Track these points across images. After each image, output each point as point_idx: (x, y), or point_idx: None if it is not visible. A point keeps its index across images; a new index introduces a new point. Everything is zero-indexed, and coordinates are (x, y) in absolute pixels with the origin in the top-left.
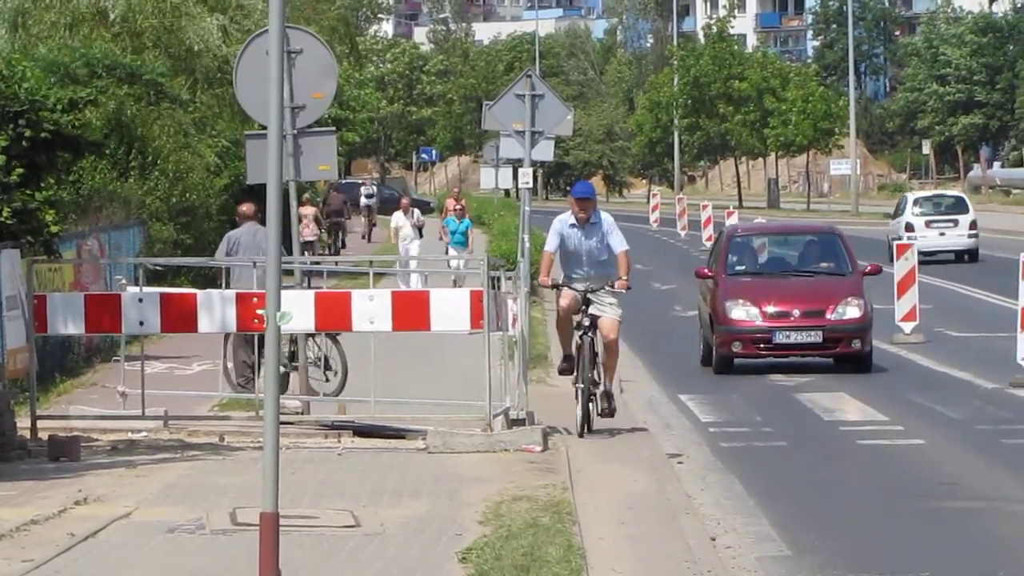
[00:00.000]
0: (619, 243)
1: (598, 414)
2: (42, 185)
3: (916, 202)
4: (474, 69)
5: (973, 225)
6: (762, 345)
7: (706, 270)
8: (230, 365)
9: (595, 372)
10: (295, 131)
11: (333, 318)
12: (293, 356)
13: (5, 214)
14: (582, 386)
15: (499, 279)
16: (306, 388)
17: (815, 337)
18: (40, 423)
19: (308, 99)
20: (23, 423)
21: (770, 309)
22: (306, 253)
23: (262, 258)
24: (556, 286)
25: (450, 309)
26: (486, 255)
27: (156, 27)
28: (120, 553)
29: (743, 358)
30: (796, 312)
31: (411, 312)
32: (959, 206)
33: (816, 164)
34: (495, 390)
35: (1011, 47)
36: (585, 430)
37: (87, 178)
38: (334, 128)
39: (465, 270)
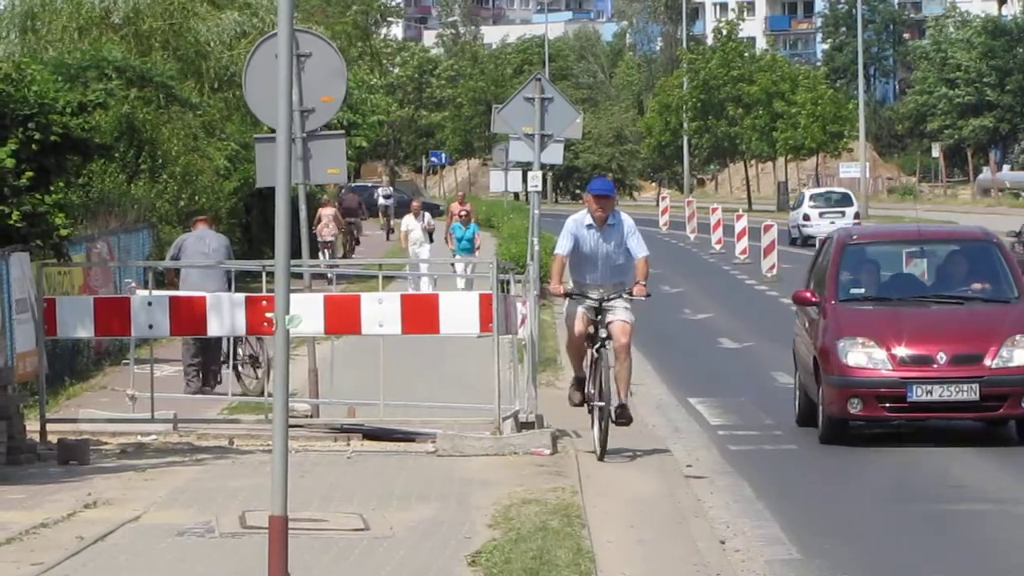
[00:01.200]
0: (639, 248)
1: (613, 421)
2: (51, 188)
3: (812, 197)
4: (483, 72)
5: (856, 215)
6: (891, 404)
7: (807, 293)
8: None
9: (611, 386)
10: (304, 134)
11: (342, 321)
12: (232, 355)
13: (15, 217)
14: (600, 404)
15: (508, 282)
16: (314, 391)
17: (969, 393)
18: (50, 426)
19: (317, 102)
20: (32, 426)
21: (903, 352)
22: (326, 252)
23: (202, 263)
24: (568, 295)
25: (459, 312)
26: (495, 258)
27: (163, 28)
28: (129, 556)
29: (864, 420)
30: (941, 357)
31: (420, 315)
32: (845, 200)
33: (825, 167)
34: (504, 393)
35: (1020, 50)
36: (604, 452)
37: (96, 181)
38: (344, 132)
39: (473, 274)
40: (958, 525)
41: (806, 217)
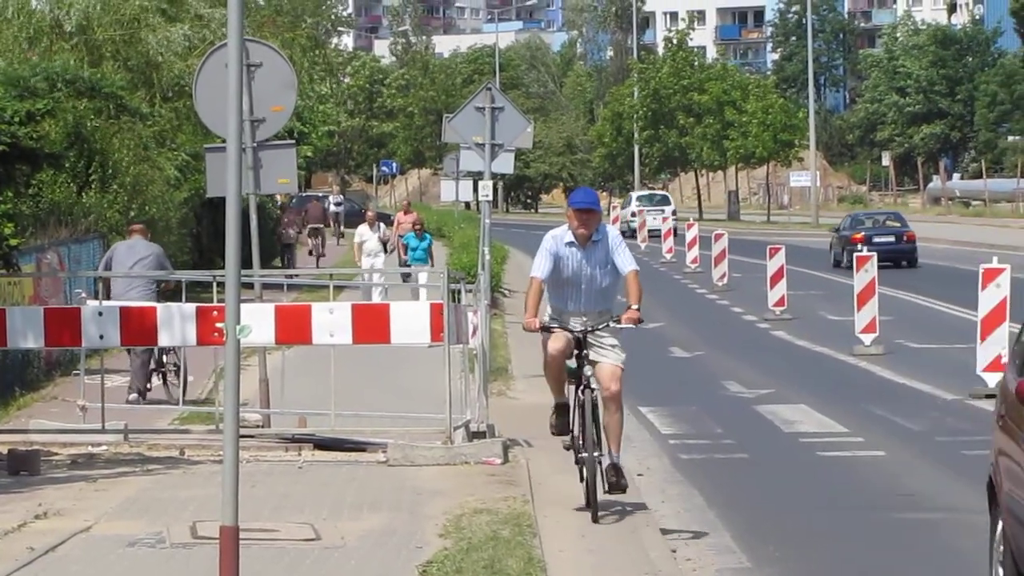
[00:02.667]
0: (628, 262)
1: (604, 490)
2: (0, 198)
3: (638, 198)
4: (434, 82)
5: (673, 213)
6: None
7: None
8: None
9: (599, 435)
10: (255, 144)
11: (293, 331)
12: (159, 363)
13: None
14: (586, 455)
15: (459, 292)
16: (265, 401)
17: None
18: (0, 437)
19: (268, 112)
20: None
21: None
22: (286, 256)
23: (126, 272)
24: (546, 329)
25: (410, 322)
26: (446, 268)
27: (114, 39)
28: (80, 567)
29: None
30: None
31: (371, 325)
32: (664, 201)
33: (776, 176)
34: (455, 403)
35: (970, 59)
36: (598, 513)
37: (46, 191)
38: (294, 141)
39: (426, 284)
40: (911, 534)
41: (633, 213)
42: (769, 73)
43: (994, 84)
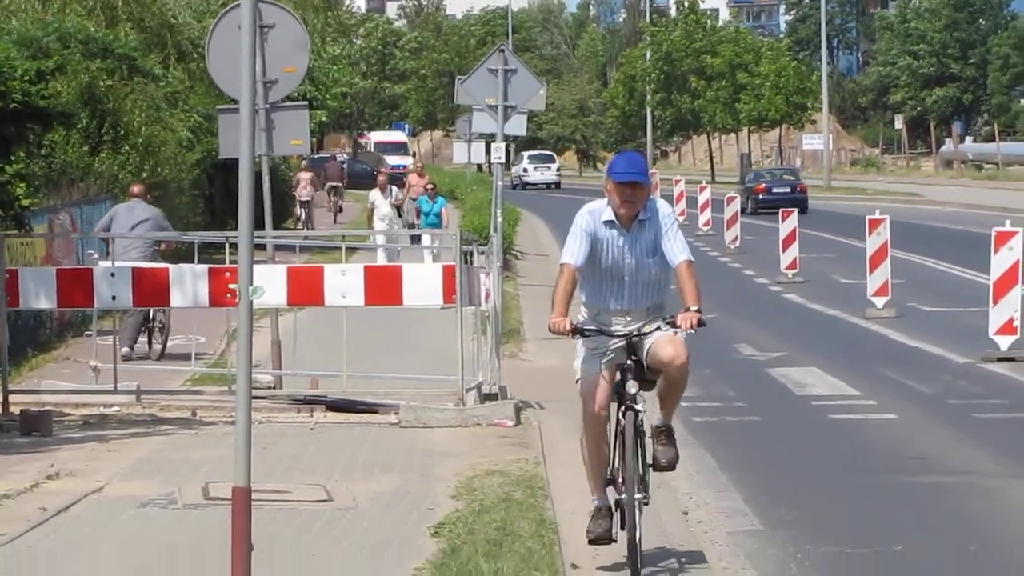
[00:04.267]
0: (679, 250)
1: (652, 467)
2: (12, 158)
3: (528, 157)
4: (447, 44)
5: (558, 170)
6: None
7: None
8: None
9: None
10: (267, 105)
11: (305, 292)
12: (146, 318)
13: None
14: (626, 497)
15: (472, 254)
16: (277, 362)
17: None
18: (12, 398)
19: (280, 73)
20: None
21: None
22: (303, 210)
23: (127, 233)
24: (578, 332)
25: (422, 284)
26: (459, 230)
27: (131, 3)
28: (92, 528)
29: None
30: None
31: (384, 286)
32: (550, 159)
33: (788, 139)
34: (467, 365)
35: (983, 22)
36: (639, 565)
37: (59, 152)
38: (306, 103)
39: (439, 246)
40: (922, 497)
41: (524, 170)
42: (782, 36)
43: (1007, 47)
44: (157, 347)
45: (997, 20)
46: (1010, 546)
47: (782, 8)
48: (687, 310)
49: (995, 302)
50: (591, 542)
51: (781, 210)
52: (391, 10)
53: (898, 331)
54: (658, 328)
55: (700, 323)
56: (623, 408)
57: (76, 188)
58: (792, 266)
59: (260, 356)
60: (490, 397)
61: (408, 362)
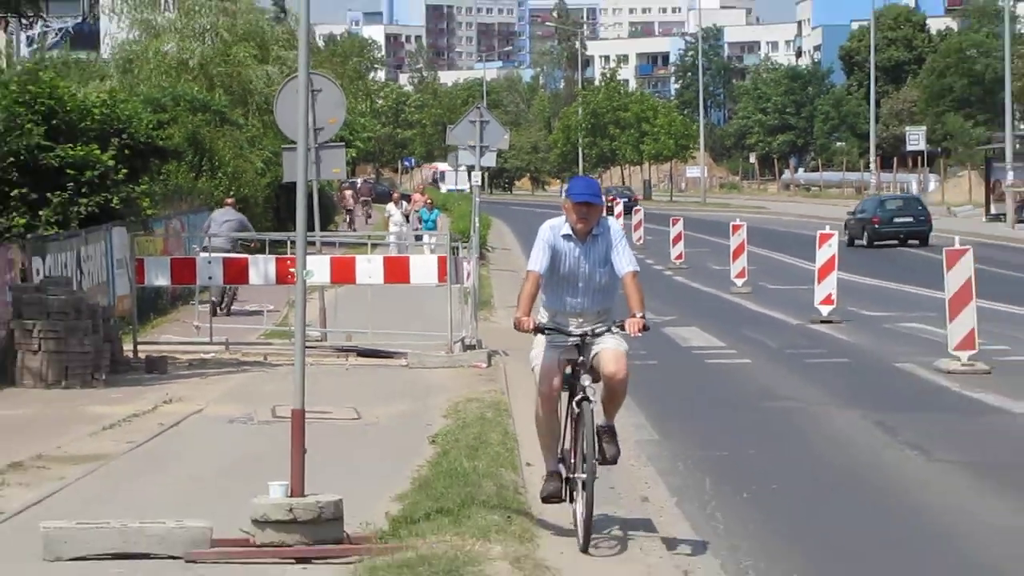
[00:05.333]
0: (627, 262)
1: (598, 460)
2: (140, 181)
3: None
4: (440, 103)
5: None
6: None
7: None
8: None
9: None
10: (316, 145)
11: (343, 274)
12: (223, 294)
13: (115, 202)
14: (582, 476)
15: (458, 248)
16: (323, 323)
17: None
18: (139, 347)
19: (325, 123)
20: (128, 347)
21: None
22: (348, 215)
23: (221, 234)
24: (540, 330)
25: (424, 268)
26: (448, 231)
27: (222, 73)
28: (194, 438)
29: None
30: None
31: (396, 271)
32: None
33: (677, 169)
34: (455, 325)
35: (810, 88)
36: (589, 541)
37: (172, 177)
38: (343, 143)
39: (435, 243)
40: (767, 416)
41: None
42: (672, 98)
43: (827, 106)
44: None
45: (820, 87)
46: (829, 451)
47: (673, 79)
48: (633, 316)
49: (819, 282)
50: (544, 500)
51: (671, 217)
52: (403, 79)
53: (752, 302)
54: (608, 330)
55: (644, 327)
56: (579, 399)
57: (184, 202)
58: (679, 257)
59: (311, 318)
60: (470, 348)
61: (413, 323)
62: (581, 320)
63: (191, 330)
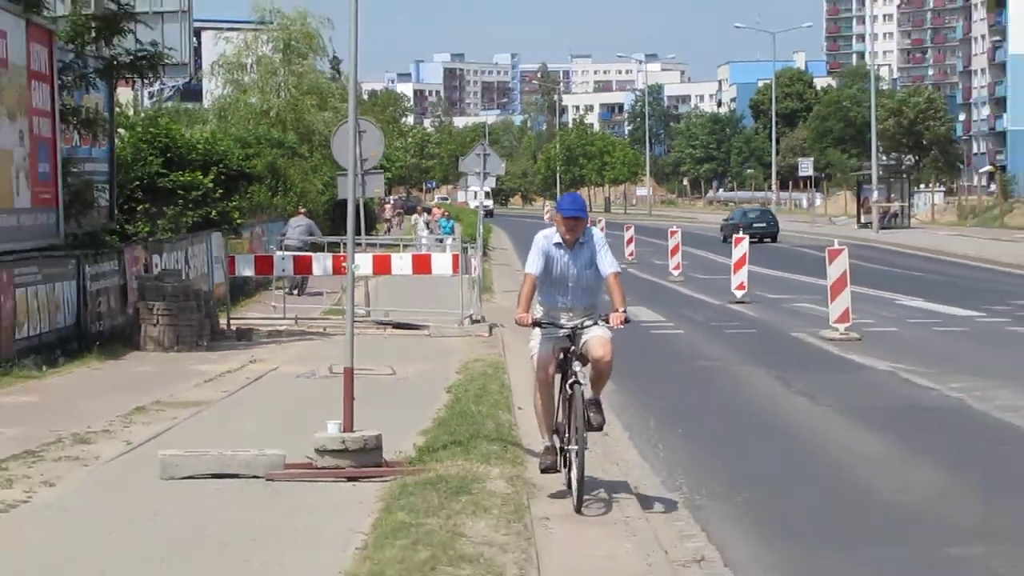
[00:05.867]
0: (609, 264)
1: (587, 427)
2: (231, 199)
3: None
4: (454, 140)
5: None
6: None
7: None
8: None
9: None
10: (362, 172)
11: (382, 267)
12: (296, 284)
13: (213, 214)
14: (574, 448)
15: (467, 248)
16: (367, 303)
17: None
18: (232, 321)
19: (369, 156)
20: (223, 321)
21: None
22: (388, 223)
23: (295, 237)
24: (538, 324)
25: (442, 263)
26: (460, 235)
27: (292, 119)
28: (272, 389)
29: None
30: None
31: (421, 265)
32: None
33: (629, 189)
34: (465, 305)
35: (728, 130)
36: (581, 502)
37: (255, 195)
38: (382, 170)
39: (449, 244)
40: (697, 373)
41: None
42: (626, 137)
43: (740, 143)
44: (296, 295)
45: (735, 129)
46: (741, 397)
47: (626, 122)
48: (616, 310)
49: (734, 273)
50: (543, 471)
51: (625, 225)
52: (426, 123)
53: (685, 288)
54: (595, 324)
55: (626, 320)
56: (571, 382)
57: (264, 214)
58: (632, 255)
59: (358, 300)
60: (476, 322)
61: (434, 304)
62: (571, 314)
63: (270, 309)
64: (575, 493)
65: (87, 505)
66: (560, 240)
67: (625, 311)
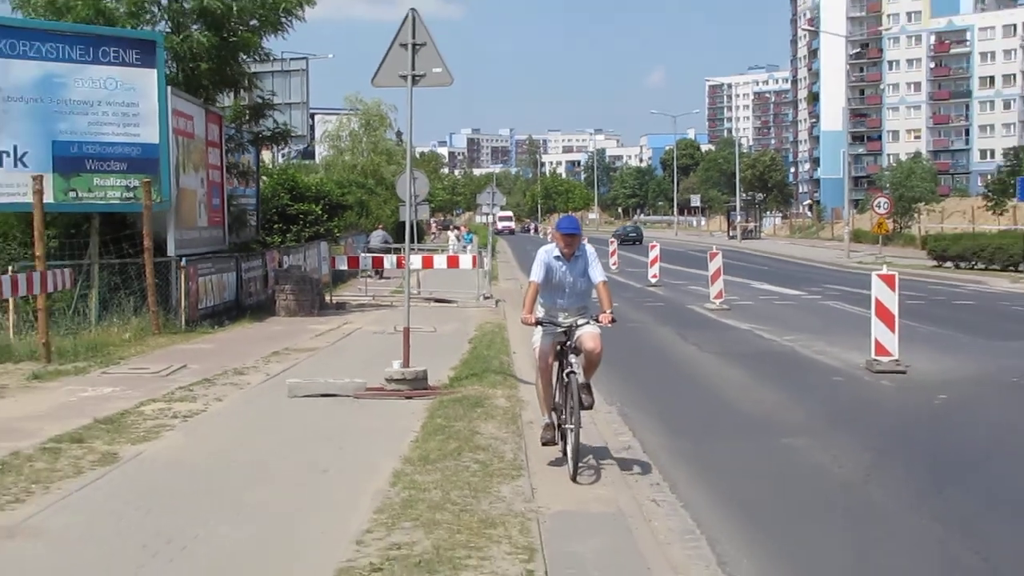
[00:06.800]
0: (599, 273)
1: (580, 407)
2: (333, 220)
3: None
4: (473, 183)
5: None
6: None
7: None
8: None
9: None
10: (415, 203)
11: (427, 263)
12: (377, 272)
13: (321, 230)
14: (571, 427)
15: (481, 251)
16: (418, 285)
17: None
18: (333, 298)
19: (419, 193)
20: (328, 298)
21: None
22: (432, 236)
23: (378, 244)
24: (540, 323)
25: (465, 260)
26: (477, 243)
27: (371, 170)
28: (358, 341)
29: None
30: None
31: (452, 262)
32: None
33: (584, 215)
34: (480, 287)
35: (647, 177)
36: (577, 472)
37: (348, 218)
38: (428, 201)
39: (469, 249)
40: (627, 333)
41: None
42: (582, 181)
43: (653, 185)
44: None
45: (651, 177)
46: (654, 346)
47: (582, 172)
48: (604, 312)
49: (651, 266)
50: (543, 444)
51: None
52: (456, 172)
53: (620, 277)
54: (588, 323)
55: (613, 320)
56: (568, 372)
57: (353, 230)
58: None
59: (413, 283)
60: (487, 298)
61: (460, 287)
62: (566, 314)
63: (357, 290)
64: (571, 462)
65: (241, 412)
66: (559, 253)
67: (612, 312)
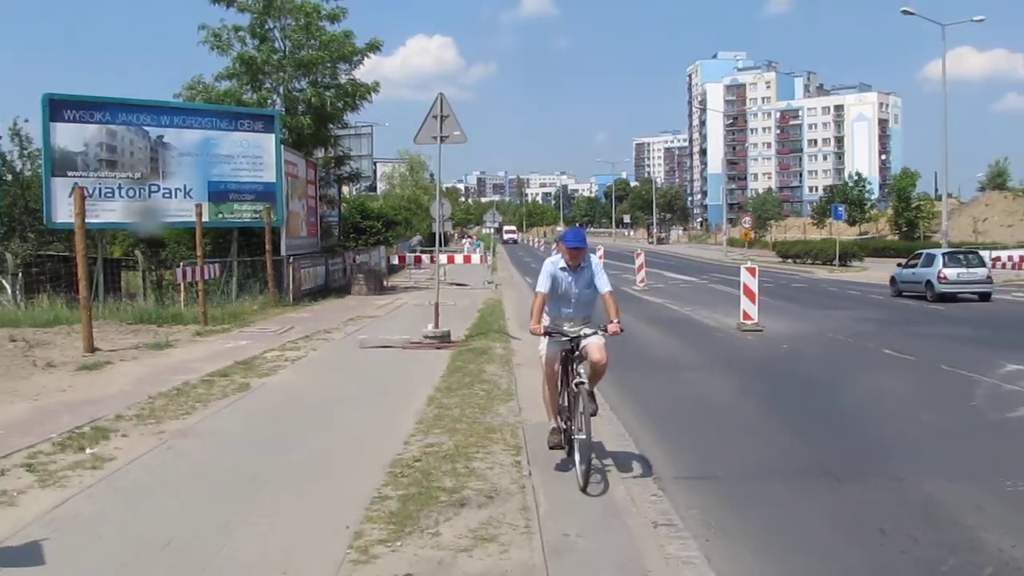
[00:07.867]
0: (605, 284)
1: (591, 414)
2: (389, 232)
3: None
4: (480, 208)
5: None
6: None
7: None
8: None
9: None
10: (442, 220)
11: (450, 260)
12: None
13: (381, 239)
14: (582, 437)
15: (487, 252)
16: (444, 275)
17: None
18: (390, 282)
19: (446, 214)
20: (385, 283)
21: None
22: (454, 242)
23: (416, 246)
24: (547, 333)
25: (476, 258)
26: (483, 246)
27: (414, 198)
28: (408, 311)
29: None
30: None
31: (467, 259)
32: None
33: (553, 228)
34: (485, 276)
35: (596, 204)
36: (588, 483)
37: (398, 231)
38: (451, 219)
39: (478, 250)
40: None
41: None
42: (552, 206)
43: (599, 209)
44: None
45: (598, 204)
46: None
47: (553, 201)
48: (611, 322)
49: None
50: (551, 448)
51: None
52: (469, 200)
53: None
54: (595, 333)
55: (620, 331)
56: (576, 382)
57: (400, 239)
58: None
59: (440, 274)
60: (490, 283)
61: (471, 275)
62: (572, 323)
63: (404, 278)
64: (580, 473)
65: (328, 358)
66: (565, 265)
67: (619, 322)
